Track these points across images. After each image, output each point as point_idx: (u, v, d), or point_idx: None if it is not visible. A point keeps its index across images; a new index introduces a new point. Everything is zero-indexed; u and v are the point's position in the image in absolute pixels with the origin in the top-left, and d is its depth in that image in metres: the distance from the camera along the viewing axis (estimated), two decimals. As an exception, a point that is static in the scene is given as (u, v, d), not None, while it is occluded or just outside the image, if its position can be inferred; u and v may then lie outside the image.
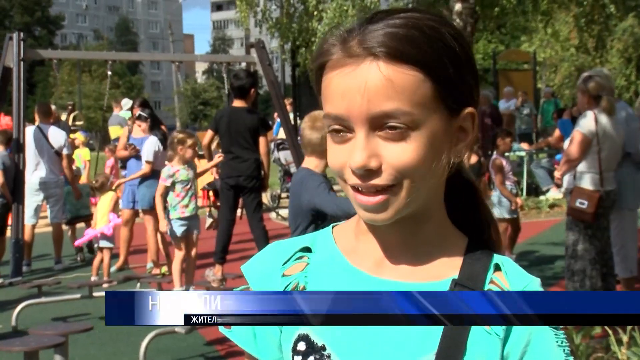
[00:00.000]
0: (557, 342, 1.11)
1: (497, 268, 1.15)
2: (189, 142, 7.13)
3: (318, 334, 1.14)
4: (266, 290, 1.19)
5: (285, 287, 1.18)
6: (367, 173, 1.07)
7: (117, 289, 8.05)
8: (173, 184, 7.02)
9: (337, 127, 1.09)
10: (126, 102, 15.84)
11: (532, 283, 1.14)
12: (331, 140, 1.11)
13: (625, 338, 4.00)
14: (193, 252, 7.28)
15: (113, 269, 9.36)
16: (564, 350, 1.11)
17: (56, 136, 9.90)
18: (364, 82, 1.05)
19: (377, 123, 1.06)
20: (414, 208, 1.11)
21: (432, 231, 1.16)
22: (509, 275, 1.14)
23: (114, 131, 14.82)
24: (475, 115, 1.13)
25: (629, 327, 4.07)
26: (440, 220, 1.17)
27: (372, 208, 1.09)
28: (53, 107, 13.85)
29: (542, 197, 13.57)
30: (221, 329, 1.24)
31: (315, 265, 1.19)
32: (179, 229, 7.09)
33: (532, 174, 14.50)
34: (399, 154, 1.06)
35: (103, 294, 7.76)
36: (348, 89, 1.06)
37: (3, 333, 6.72)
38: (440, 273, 1.14)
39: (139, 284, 7.78)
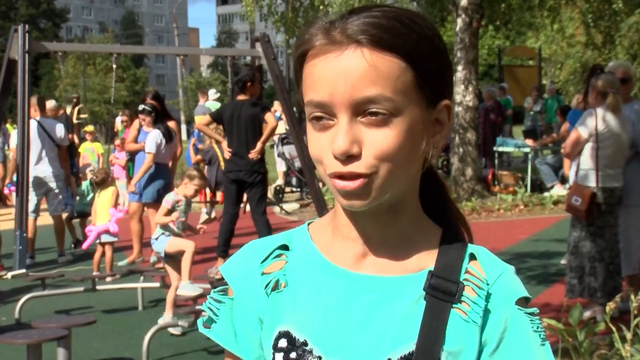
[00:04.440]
0: (532, 327, 1.14)
1: (472, 257, 1.17)
2: (196, 182, 6.95)
3: (299, 329, 1.15)
4: (246, 288, 1.21)
5: (266, 285, 1.19)
6: (348, 159, 1.08)
7: (121, 282, 8.07)
8: (173, 209, 6.90)
9: (318, 114, 1.10)
10: (212, 93, 15.84)
11: (507, 271, 1.17)
12: (312, 128, 1.12)
13: (629, 335, 3.99)
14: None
15: (124, 262, 9.37)
16: (539, 335, 1.14)
17: (58, 129, 10.03)
18: (348, 68, 1.07)
19: (360, 109, 1.07)
20: (392, 197, 1.12)
21: (409, 223, 1.18)
22: (484, 264, 1.16)
23: (199, 120, 14.92)
24: (450, 108, 1.16)
25: (632, 324, 4.05)
26: (415, 212, 1.19)
27: (352, 193, 1.09)
28: (53, 102, 13.95)
29: (546, 194, 13.56)
30: (201, 328, 1.25)
31: (294, 264, 1.20)
32: (169, 237, 6.90)
33: (536, 170, 14.50)
34: (380, 139, 1.08)
35: (107, 287, 7.80)
36: (332, 75, 1.08)
37: (6, 326, 6.73)
38: (417, 265, 1.16)
39: (142, 278, 7.79)
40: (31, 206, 9.65)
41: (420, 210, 1.20)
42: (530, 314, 1.15)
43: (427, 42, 1.12)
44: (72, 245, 10.71)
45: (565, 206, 6.45)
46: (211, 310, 1.24)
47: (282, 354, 1.15)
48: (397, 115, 1.08)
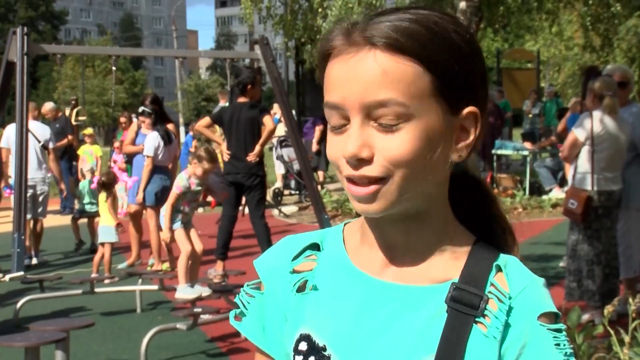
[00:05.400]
0: (555, 343, 1.09)
1: (499, 269, 1.13)
2: (204, 164, 6.99)
3: (320, 334, 1.14)
4: (277, 284, 1.21)
5: (295, 284, 1.18)
6: (359, 163, 1.06)
7: (119, 285, 8.06)
8: (184, 193, 6.93)
9: (334, 116, 1.09)
10: None
11: (533, 284, 1.12)
12: (330, 131, 1.11)
13: (627, 338, 3.99)
14: (199, 248, 7.19)
15: (124, 264, 9.36)
16: (564, 352, 1.09)
17: (42, 131, 10.09)
18: (360, 71, 1.06)
19: (371, 112, 1.06)
20: (412, 205, 1.10)
21: (435, 232, 1.14)
22: (509, 277, 1.12)
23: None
24: (478, 116, 1.12)
25: (630, 327, 4.05)
26: (445, 219, 1.15)
27: (364, 199, 1.08)
28: (52, 104, 13.98)
29: (544, 197, 13.56)
30: (232, 321, 1.25)
31: (323, 266, 1.19)
32: (176, 226, 7.02)
33: (535, 173, 14.50)
34: (390, 145, 1.06)
35: (105, 289, 7.79)
36: (345, 76, 1.07)
37: (4, 328, 6.72)
38: (443, 275, 1.13)
39: (140, 280, 7.78)
40: None
41: (450, 218, 1.17)
42: (554, 329, 1.10)
43: (452, 48, 1.08)
44: (75, 247, 10.64)
45: (562, 209, 6.45)
46: (242, 303, 1.24)
47: (301, 356, 1.15)
48: (409, 120, 1.06)
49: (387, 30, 1.06)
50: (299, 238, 1.24)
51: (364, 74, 1.05)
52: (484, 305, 1.09)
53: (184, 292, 6.66)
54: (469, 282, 1.11)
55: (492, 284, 1.11)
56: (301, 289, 1.18)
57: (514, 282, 1.11)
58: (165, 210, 6.95)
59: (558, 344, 1.09)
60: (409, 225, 1.13)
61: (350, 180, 1.08)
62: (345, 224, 1.24)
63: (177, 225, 6.97)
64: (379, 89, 1.05)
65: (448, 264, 1.14)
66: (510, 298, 1.10)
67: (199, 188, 7.08)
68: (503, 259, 1.14)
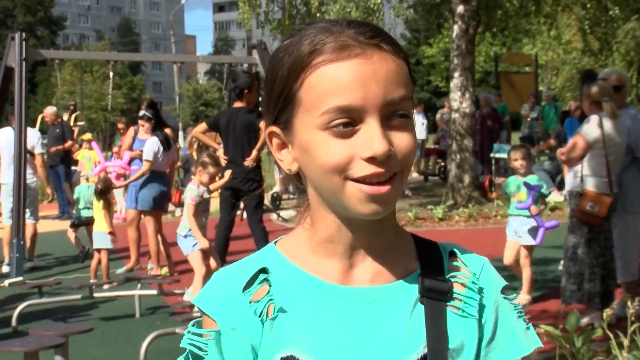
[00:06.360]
0: (517, 314, 1.20)
1: (452, 254, 1.20)
2: (209, 170, 7.03)
3: (305, 352, 1.11)
4: (233, 318, 1.14)
5: (260, 313, 1.13)
6: (386, 160, 1.06)
7: (118, 290, 8.06)
8: (198, 203, 6.95)
9: (344, 120, 1.06)
10: None
11: (486, 263, 1.21)
12: (328, 136, 1.06)
13: (626, 342, 3.99)
14: (214, 266, 7.14)
15: (122, 269, 9.35)
16: (523, 319, 1.20)
17: (31, 137, 10.10)
18: (380, 70, 1.07)
19: (387, 111, 1.07)
20: None
21: (392, 228, 1.17)
22: (465, 260, 1.20)
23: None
24: None
25: (629, 331, 4.06)
26: (394, 216, 1.19)
27: (380, 198, 1.07)
28: (54, 108, 14.00)
29: (543, 200, 13.54)
30: None
31: (279, 286, 1.14)
32: (196, 247, 7.00)
33: (533, 176, 14.49)
34: (405, 142, 1.09)
35: (104, 294, 7.79)
36: (362, 78, 1.06)
37: (3, 334, 6.71)
38: (404, 269, 1.17)
39: (139, 285, 7.77)
40: (6, 212, 9.65)
41: (395, 213, 1.19)
42: (512, 302, 1.20)
43: None
44: (81, 258, 10.47)
45: (575, 212, 6.31)
46: (195, 346, 1.15)
47: None
48: (410, 117, 1.10)
49: (378, 34, 1.09)
50: (237, 268, 1.18)
51: (384, 73, 1.07)
52: (451, 289, 1.14)
53: None
54: (432, 271, 1.16)
55: (452, 268, 1.18)
56: (268, 314, 1.12)
57: (472, 264, 1.19)
58: (190, 223, 6.89)
59: (520, 314, 1.20)
60: (376, 225, 1.14)
61: (363, 181, 1.06)
62: (275, 242, 1.21)
63: (194, 250, 6.94)
64: (397, 87, 1.08)
65: (404, 258, 1.18)
66: (478, 278, 1.17)
67: (209, 196, 7.11)
68: (447, 245, 1.21)
